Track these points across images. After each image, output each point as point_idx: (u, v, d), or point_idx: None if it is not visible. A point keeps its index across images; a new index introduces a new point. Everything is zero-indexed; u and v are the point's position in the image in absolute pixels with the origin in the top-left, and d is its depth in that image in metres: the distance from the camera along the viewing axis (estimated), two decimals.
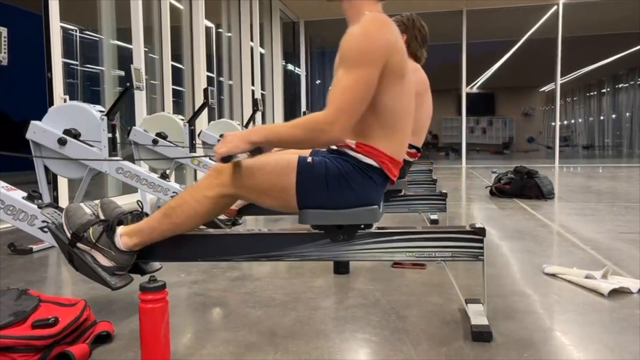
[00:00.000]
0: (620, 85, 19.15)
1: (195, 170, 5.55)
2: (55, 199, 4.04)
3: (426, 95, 2.77)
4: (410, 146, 2.76)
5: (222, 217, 2.43)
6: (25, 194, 2.11)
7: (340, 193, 1.58)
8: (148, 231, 1.64)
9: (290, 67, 12.06)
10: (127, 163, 3.15)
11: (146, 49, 5.60)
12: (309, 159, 1.61)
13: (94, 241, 1.65)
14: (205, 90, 4.38)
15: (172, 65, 6.25)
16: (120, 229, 1.66)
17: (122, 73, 3.08)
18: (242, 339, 1.61)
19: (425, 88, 2.78)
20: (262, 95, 9.62)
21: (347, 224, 1.63)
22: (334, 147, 1.67)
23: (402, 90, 1.55)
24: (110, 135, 3.04)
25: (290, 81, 11.99)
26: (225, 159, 1.53)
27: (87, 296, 2.00)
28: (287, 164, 1.59)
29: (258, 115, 5.97)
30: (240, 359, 1.47)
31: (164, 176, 3.27)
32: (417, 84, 2.69)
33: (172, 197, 3.15)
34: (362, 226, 1.65)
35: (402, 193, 3.25)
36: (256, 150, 1.55)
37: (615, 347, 1.52)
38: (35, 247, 2.92)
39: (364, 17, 1.54)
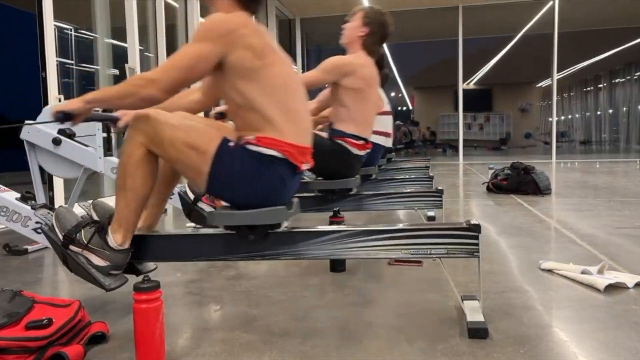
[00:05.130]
0: (616, 80, 19.18)
1: None
2: (51, 199, 4.02)
3: (370, 91, 2.78)
4: (358, 137, 2.76)
5: None
6: (18, 195, 2.10)
7: (249, 190, 1.62)
8: (120, 215, 1.64)
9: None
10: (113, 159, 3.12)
11: (141, 48, 5.57)
12: (231, 143, 1.62)
13: (85, 243, 1.64)
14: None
15: None
16: (110, 228, 1.65)
17: (117, 72, 3.07)
18: (237, 338, 1.61)
19: (371, 84, 2.78)
20: None
21: (254, 224, 1.65)
22: (232, 142, 1.64)
23: (263, 82, 1.59)
24: (104, 134, 3.03)
25: None
26: (59, 116, 1.53)
27: (82, 297, 1.99)
28: (207, 146, 1.59)
29: None
30: (236, 359, 1.47)
31: None
32: (363, 79, 2.69)
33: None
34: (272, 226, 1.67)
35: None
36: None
37: (611, 342, 1.51)
38: (30, 248, 2.91)
39: None
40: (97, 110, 1.84)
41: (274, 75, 1.62)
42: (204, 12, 7.01)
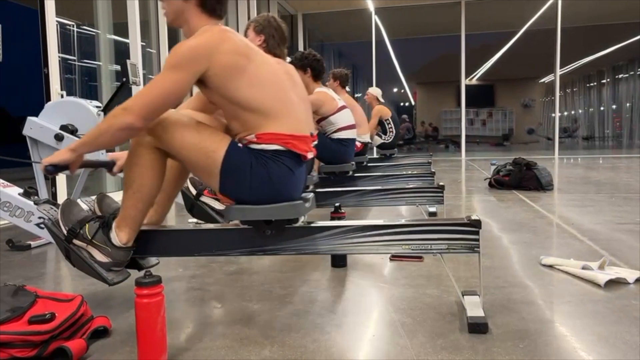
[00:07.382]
0: (620, 76, 19.09)
1: None
2: (54, 195, 4.04)
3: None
4: None
5: (219, 207, 2.43)
6: (21, 191, 2.11)
7: (262, 187, 1.62)
8: (127, 214, 1.65)
9: (288, 60, 11.99)
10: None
11: (143, 44, 5.58)
12: (240, 144, 1.63)
13: (89, 238, 1.65)
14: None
15: None
16: (114, 225, 1.66)
17: (119, 68, 3.05)
18: (238, 333, 1.61)
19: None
20: None
21: (273, 219, 1.65)
22: (240, 144, 1.65)
23: (251, 78, 1.58)
24: None
25: None
26: (50, 169, 1.56)
27: (85, 292, 2.00)
28: (217, 146, 1.60)
29: None
30: (236, 353, 1.48)
31: None
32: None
33: None
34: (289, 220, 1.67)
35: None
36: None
37: (611, 337, 1.52)
38: (33, 243, 2.93)
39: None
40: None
41: (259, 69, 1.62)
42: None
